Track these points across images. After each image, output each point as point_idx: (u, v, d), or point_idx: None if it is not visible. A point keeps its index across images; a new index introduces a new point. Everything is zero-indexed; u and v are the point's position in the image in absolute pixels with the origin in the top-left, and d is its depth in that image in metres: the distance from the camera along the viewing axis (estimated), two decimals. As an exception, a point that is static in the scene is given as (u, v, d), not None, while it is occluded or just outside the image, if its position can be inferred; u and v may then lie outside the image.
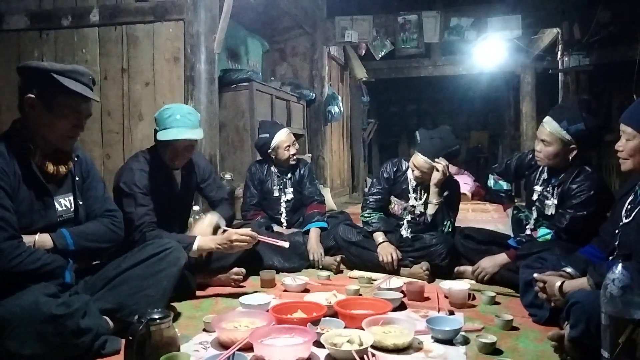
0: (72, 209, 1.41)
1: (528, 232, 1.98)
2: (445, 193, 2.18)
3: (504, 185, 2.16)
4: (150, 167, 1.84)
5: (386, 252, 2.14)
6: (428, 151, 2.12)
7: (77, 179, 1.44)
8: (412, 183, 2.26)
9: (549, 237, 1.86)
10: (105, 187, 1.54)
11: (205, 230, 1.86)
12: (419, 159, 2.14)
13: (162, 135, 1.79)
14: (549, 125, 1.82)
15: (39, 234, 1.31)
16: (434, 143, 2.13)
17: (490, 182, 2.22)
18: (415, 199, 2.24)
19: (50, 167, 1.33)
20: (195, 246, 1.74)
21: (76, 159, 1.44)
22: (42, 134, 1.31)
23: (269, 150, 2.48)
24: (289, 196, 2.52)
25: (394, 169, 2.30)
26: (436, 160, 2.11)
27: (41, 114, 1.29)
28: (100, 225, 1.45)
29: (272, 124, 2.64)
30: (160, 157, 1.89)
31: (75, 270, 1.40)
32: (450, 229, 2.20)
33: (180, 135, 1.79)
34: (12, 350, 1.15)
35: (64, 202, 1.40)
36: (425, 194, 2.22)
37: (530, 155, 2.04)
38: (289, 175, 2.54)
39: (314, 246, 2.31)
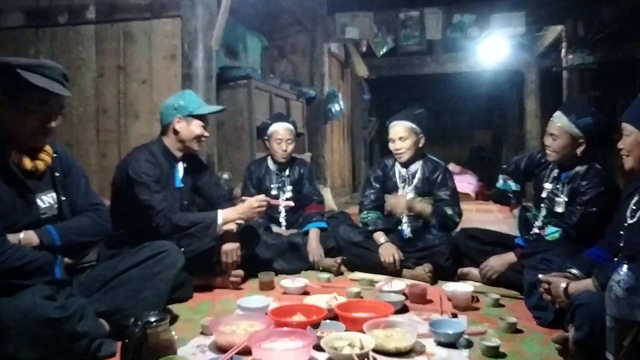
0: (55, 206, 1.39)
1: (536, 230, 1.96)
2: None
3: (512, 185, 2.15)
4: (155, 160, 1.86)
5: (388, 252, 2.12)
6: (398, 117, 2.26)
7: (57, 174, 1.42)
8: (400, 174, 2.30)
9: (557, 235, 1.84)
10: (88, 182, 1.52)
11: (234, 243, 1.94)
12: (394, 128, 2.23)
13: (206, 109, 1.95)
14: (558, 119, 1.84)
15: (23, 231, 1.29)
16: (399, 113, 2.31)
17: (500, 182, 2.21)
18: (404, 187, 2.28)
19: (28, 163, 1.31)
20: (220, 220, 1.82)
21: (54, 155, 1.42)
22: (12, 131, 1.29)
23: (265, 138, 2.52)
24: (288, 195, 2.49)
25: (382, 166, 2.38)
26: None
27: (9, 110, 1.27)
28: (86, 219, 1.43)
29: (280, 115, 2.70)
30: (165, 151, 1.91)
31: (68, 267, 1.38)
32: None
33: (217, 107, 2.07)
34: (8, 354, 1.14)
35: (47, 199, 1.38)
36: (414, 179, 2.27)
37: (540, 154, 2.05)
38: (287, 173, 2.52)
39: (314, 247, 2.28)
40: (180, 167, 1.96)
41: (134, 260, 1.44)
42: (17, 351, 1.14)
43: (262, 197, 1.94)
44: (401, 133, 2.21)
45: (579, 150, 1.81)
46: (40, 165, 1.34)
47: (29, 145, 1.32)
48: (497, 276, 1.93)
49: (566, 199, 1.86)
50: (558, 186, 1.89)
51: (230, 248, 1.91)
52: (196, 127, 1.91)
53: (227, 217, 1.85)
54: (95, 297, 1.37)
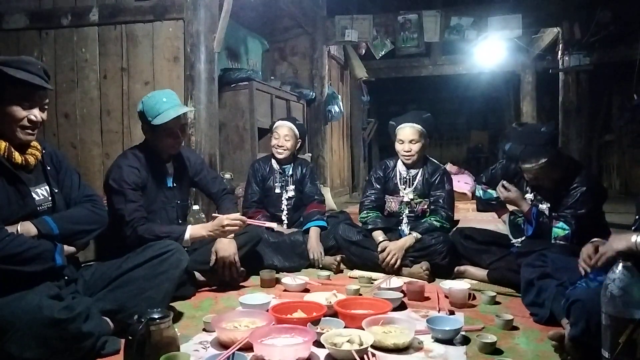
0: (49, 198, 1.40)
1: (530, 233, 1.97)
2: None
3: (493, 193, 2.17)
4: (140, 164, 1.84)
5: (388, 251, 2.13)
6: (407, 119, 2.28)
7: (48, 168, 1.43)
8: (401, 175, 2.32)
9: (564, 234, 1.80)
10: (80, 177, 1.53)
11: (230, 247, 1.91)
12: (405, 130, 2.25)
13: (160, 119, 1.77)
14: (536, 165, 1.80)
15: (20, 222, 1.29)
16: (407, 115, 2.34)
17: (479, 192, 2.25)
18: (405, 189, 2.30)
19: (18, 157, 1.31)
20: (187, 235, 1.77)
21: (43, 151, 1.42)
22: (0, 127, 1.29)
23: (270, 135, 2.58)
24: (291, 193, 2.53)
25: (382, 167, 2.41)
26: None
27: None
28: (82, 209, 1.45)
29: (288, 117, 2.75)
30: (151, 152, 1.88)
31: (71, 257, 1.39)
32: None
33: (176, 112, 1.80)
34: (13, 354, 1.15)
35: (41, 192, 1.39)
36: (415, 181, 2.29)
37: (514, 165, 2.05)
38: (290, 172, 2.55)
39: (314, 245, 2.31)
40: (170, 167, 1.94)
41: (139, 260, 1.45)
42: (22, 351, 1.14)
43: (235, 215, 1.84)
44: (412, 136, 2.23)
45: (562, 165, 1.84)
46: (31, 159, 1.34)
47: (17, 142, 1.32)
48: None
49: (549, 204, 1.89)
50: (539, 197, 1.93)
51: (228, 260, 1.89)
52: (159, 135, 1.82)
53: (194, 233, 1.78)
54: (100, 295, 1.38)
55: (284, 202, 2.52)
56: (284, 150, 2.50)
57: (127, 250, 1.54)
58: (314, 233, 2.35)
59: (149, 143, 1.89)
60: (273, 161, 2.56)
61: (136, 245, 1.62)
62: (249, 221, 1.92)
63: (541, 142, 1.79)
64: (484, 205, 2.24)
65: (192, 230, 1.78)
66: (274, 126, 2.57)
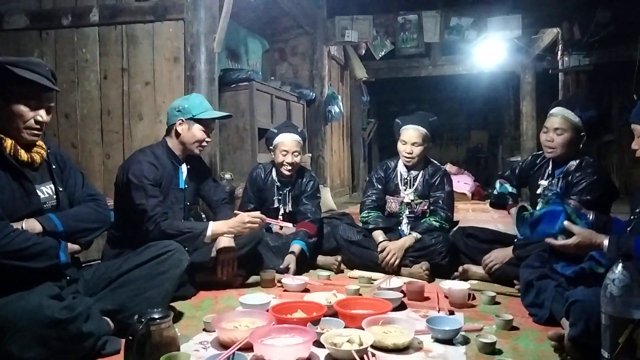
0: (54, 196, 1.40)
1: None
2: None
3: (509, 187, 2.20)
4: (158, 162, 1.87)
5: (387, 251, 2.14)
6: (413, 120, 2.28)
7: (54, 167, 1.44)
8: (402, 176, 2.33)
9: None
10: (84, 177, 1.54)
11: (230, 245, 1.93)
12: (409, 132, 2.25)
13: (209, 114, 1.94)
14: (562, 113, 1.87)
15: (25, 219, 1.29)
16: (414, 116, 2.33)
17: (497, 185, 2.26)
18: (405, 189, 2.31)
19: (24, 155, 1.32)
20: (209, 232, 1.80)
21: (48, 150, 1.43)
22: (5, 126, 1.30)
23: (271, 147, 2.40)
24: (289, 209, 2.40)
25: (384, 168, 2.40)
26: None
27: (0, 105, 1.28)
28: (85, 207, 1.45)
29: (288, 125, 2.48)
30: (168, 152, 1.92)
31: (73, 259, 1.40)
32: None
33: (220, 113, 2.04)
34: (13, 354, 1.15)
35: (46, 190, 1.39)
36: (415, 182, 2.30)
37: (533, 157, 2.11)
38: (290, 187, 2.40)
39: (290, 258, 2.13)
40: (184, 168, 1.98)
41: (140, 260, 1.45)
42: (22, 351, 1.14)
43: (256, 213, 1.87)
44: (416, 139, 2.23)
45: (580, 143, 1.86)
46: (36, 157, 1.35)
47: (22, 142, 1.32)
48: (499, 267, 1.94)
49: (559, 191, 1.90)
50: (553, 181, 1.94)
51: (227, 258, 1.90)
52: (198, 131, 1.90)
53: (216, 229, 1.80)
54: (101, 295, 1.38)
55: (280, 218, 2.35)
56: (293, 167, 2.31)
57: (138, 246, 1.55)
58: (295, 251, 2.15)
59: (171, 142, 1.93)
60: (274, 173, 2.40)
61: (157, 240, 1.65)
62: (268, 220, 1.95)
63: (586, 107, 1.84)
64: (497, 198, 2.23)
65: (214, 226, 1.81)
66: (278, 141, 2.31)
